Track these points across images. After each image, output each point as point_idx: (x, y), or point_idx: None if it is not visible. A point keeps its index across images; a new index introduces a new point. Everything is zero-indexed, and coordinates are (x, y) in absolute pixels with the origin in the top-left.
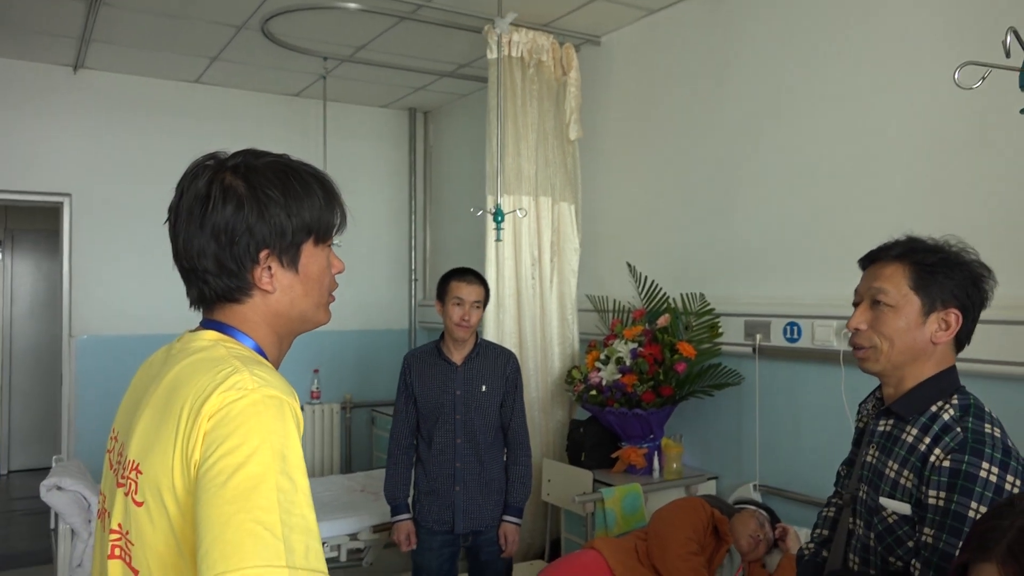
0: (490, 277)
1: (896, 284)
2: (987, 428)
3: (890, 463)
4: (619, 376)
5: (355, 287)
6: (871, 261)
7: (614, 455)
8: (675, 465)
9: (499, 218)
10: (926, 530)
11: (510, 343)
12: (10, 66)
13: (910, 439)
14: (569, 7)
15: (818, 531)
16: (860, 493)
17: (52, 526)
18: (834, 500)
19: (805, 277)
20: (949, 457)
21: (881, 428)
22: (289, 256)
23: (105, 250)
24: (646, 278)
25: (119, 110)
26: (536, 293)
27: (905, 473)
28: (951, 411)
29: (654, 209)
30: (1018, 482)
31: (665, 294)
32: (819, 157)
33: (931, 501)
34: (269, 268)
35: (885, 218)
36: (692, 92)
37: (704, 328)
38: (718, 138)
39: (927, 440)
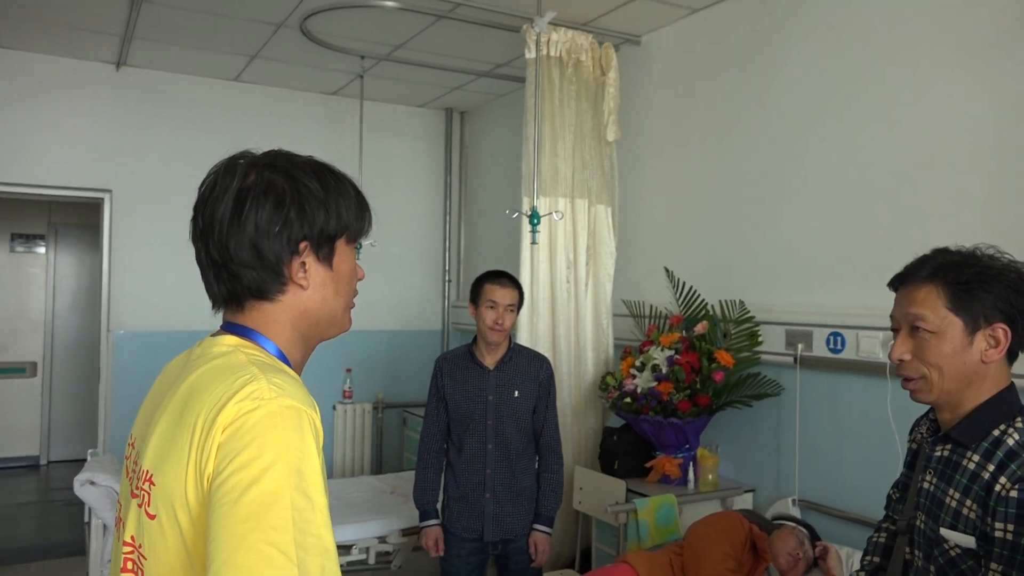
0: (524, 280)
1: (933, 308)
2: None
3: (951, 491)
4: (655, 384)
5: (389, 287)
6: (901, 283)
7: (648, 464)
8: (711, 476)
9: (535, 220)
10: (993, 565)
11: (543, 347)
12: (54, 63)
13: (972, 466)
14: (609, 6)
15: (868, 558)
16: (918, 522)
17: (86, 519)
18: (885, 525)
19: (850, 286)
20: (1017, 487)
21: (938, 453)
22: (325, 251)
23: (143, 246)
24: (684, 283)
25: (159, 107)
26: (571, 297)
27: (968, 503)
28: (1016, 435)
29: (693, 213)
30: None
31: (703, 300)
32: (867, 162)
33: (998, 534)
34: (304, 264)
35: (937, 227)
36: (734, 94)
37: (743, 336)
38: (761, 141)
39: (991, 467)
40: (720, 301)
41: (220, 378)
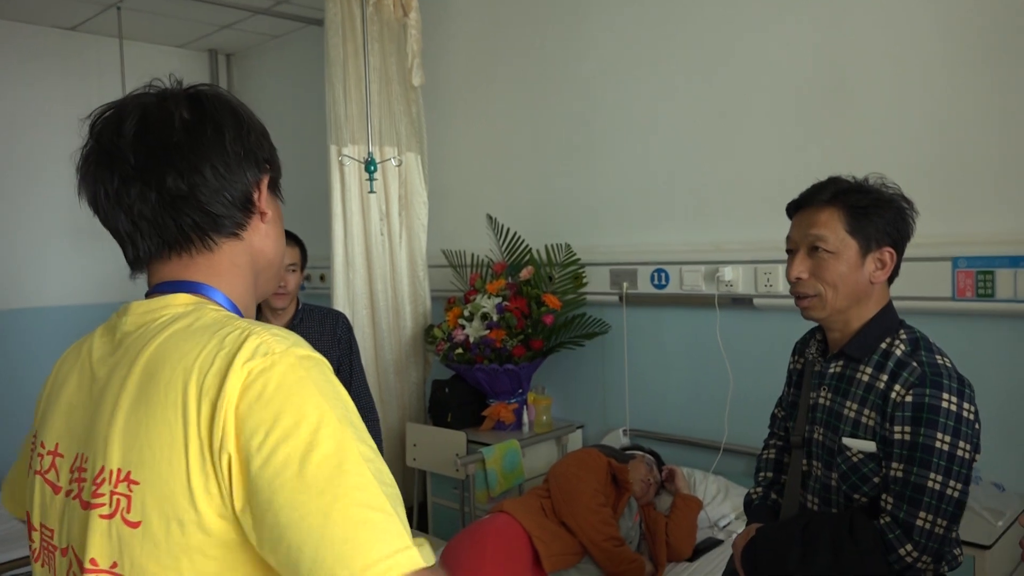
0: (337, 236)
1: (833, 229)
2: (939, 359)
3: (848, 403)
4: (487, 332)
5: None
6: (798, 207)
7: (484, 413)
8: (544, 418)
9: (371, 168)
10: (894, 464)
11: (361, 304)
12: None
13: (866, 378)
14: None
15: (762, 474)
16: (816, 435)
17: None
18: (772, 442)
19: (670, 224)
20: (911, 392)
21: (832, 370)
22: (275, 178)
23: None
24: (507, 230)
25: None
26: (385, 250)
27: (866, 412)
28: (902, 346)
29: (510, 158)
30: (973, 408)
31: (527, 246)
32: (680, 102)
33: (897, 436)
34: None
35: (748, 166)
36: (544, 35)
37: (568, 279)
38: (574, 83)
39: (884, 377)
40: (546, 246)
41: (194, 340)
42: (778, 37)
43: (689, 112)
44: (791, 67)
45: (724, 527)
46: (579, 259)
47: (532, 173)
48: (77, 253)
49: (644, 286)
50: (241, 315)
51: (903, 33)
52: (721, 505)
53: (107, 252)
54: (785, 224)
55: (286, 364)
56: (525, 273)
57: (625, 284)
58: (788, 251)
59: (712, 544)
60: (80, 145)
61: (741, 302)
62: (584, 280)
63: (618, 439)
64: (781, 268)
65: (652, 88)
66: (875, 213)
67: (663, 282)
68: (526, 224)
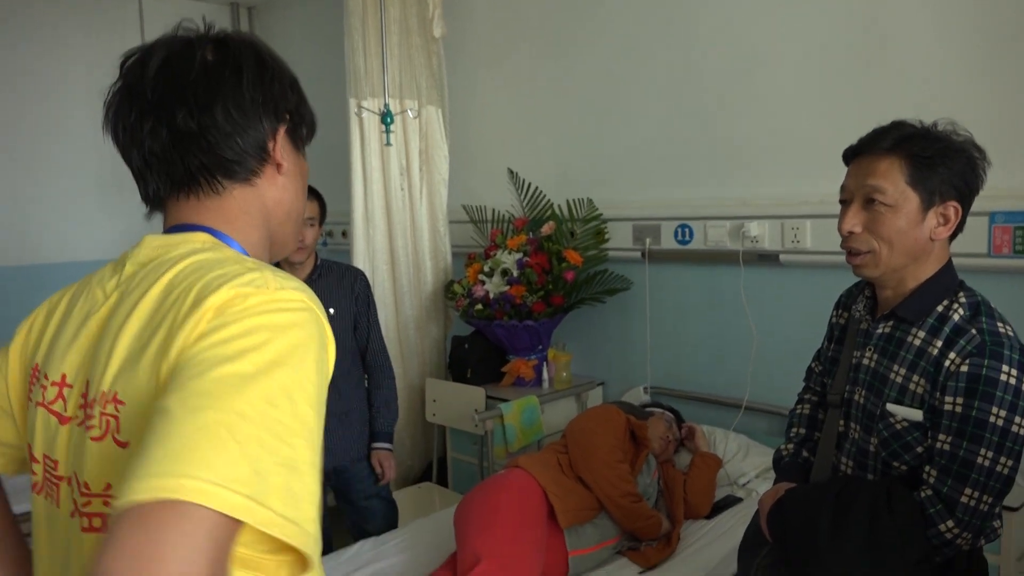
0: (357, 191)
1: (893, 181)
2: (1001, 328)
3: (895, 367)
4: (507, 288)
5: None
6: (856, 154)
7: (504, 369)
8: (564, 374)
9: (388, 120)
10: (941, 436)
11: (381, 260)
12: None
13: (918, 342)
14: None
15: (795, 430)
16: (856, 397)
17: None
18: (807, 396)
19: (695, 179)
20: (967, 361)
21: (881, 330)
22: (300, 133)
23: None
24: (529, 185)
25: None
26: (405, 205)
27: (915, 378)
28: (961, 311)
29: (532, 113)
30: None
31: (549, 201)
32: (706, 57)
33: (947, 408)
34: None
35: (775, 120)
36: None
37: (590, 234)
38: (599, 36)
39: (938, 343)
40: (567, 201)
41: (210, 269)
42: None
43: (715, 66)
44: (820, 19)
45: (744, 485)
46: (601, 214)
47: (554, 127)
48: (101, 209)
49: (667, 242)
50: None
51: None
52: (742, 463)
53: (131, 207)
54: (814, 178)
55: (280, 300)
56: (546, 228)
57: (648, 240)
58: (842, 201)
59: (731, 502)
60: (111, 85)
61: (767, 258)
62: (606, 236)
63: (639, 396)
64: (810, 223)
65: (677, 42)
66: (941, 163)
67: (687, 238)
68: (548, 179)
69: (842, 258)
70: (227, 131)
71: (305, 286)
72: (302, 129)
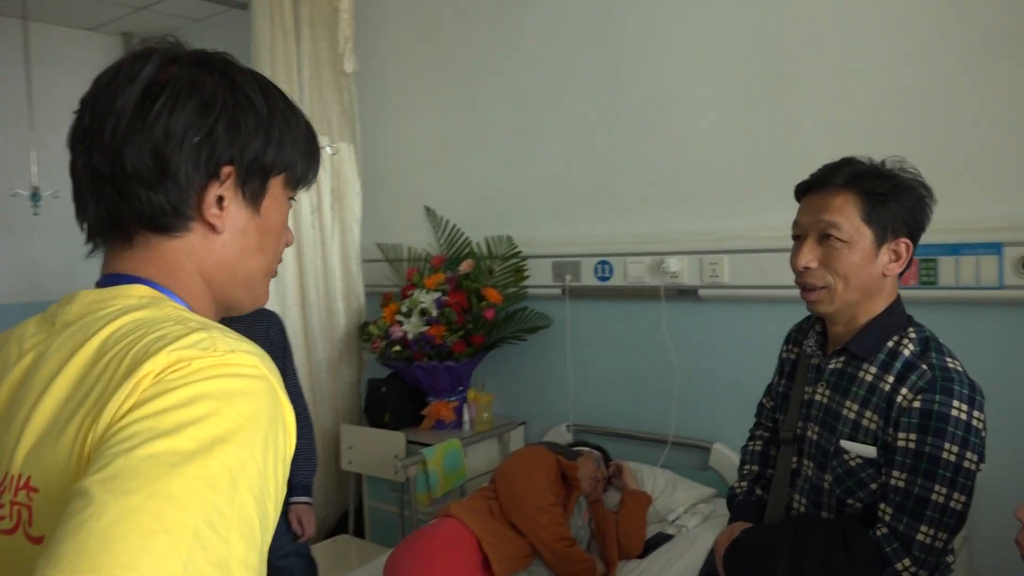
0: None
1: (848, 217)
2: (950, 363)
3: (848, 403)
4: (426, 328)
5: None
6: (807, 190)
7: (424, 412)
8: (486, 415)
9: None
10: (895, 473)
11: (292, 301)
12: None
13: (869, 378)
14: None
15: (747, 467)
16: (809, 433)
17: None
18: (759, 433)
19: (614, 215)
20: (919, 397)
21: (833, 366)
22: (254, 186)
23: None
24: (446, 222)
25: None
26: (317, 244)
27: (868, 414)
28: (911, 346)
29: (448, 149)
30: (983, 416)
31: (467, 238)
32: (623, 93)
33: (900, 444)
34: (221, 199)
35: (692, 156)
36: (482, 22)
37: (509, 272)
38: (515, 70)
39: (890, 379)
40: (486, 238)
41: (149, 330)
42: (718, 24)
43: (632, 102)
44: (732, 54)
45: (673, 521)
46: (520, 251)
47: (471, 163)
48: (11, 250)
49: (588, 278)
50: None
51: (843, 14)
52: (670, 499)
53: (43, 248)
54: (730, 214)
55: (229, 365)
56: (465, 266)
57: (568, 277)
58: (795, 237)
59: (663, 539)
60: None
61: (687, 294)
62: (526, 273)
63: (562, 435)
64: (727, 258)
65: (593, 77)
66: (893, 200)
67: (607, 274)
68: (466, 216)
69: (761, 292)
70: (141, 177)
71: (260, 350)
72: (259, 180)
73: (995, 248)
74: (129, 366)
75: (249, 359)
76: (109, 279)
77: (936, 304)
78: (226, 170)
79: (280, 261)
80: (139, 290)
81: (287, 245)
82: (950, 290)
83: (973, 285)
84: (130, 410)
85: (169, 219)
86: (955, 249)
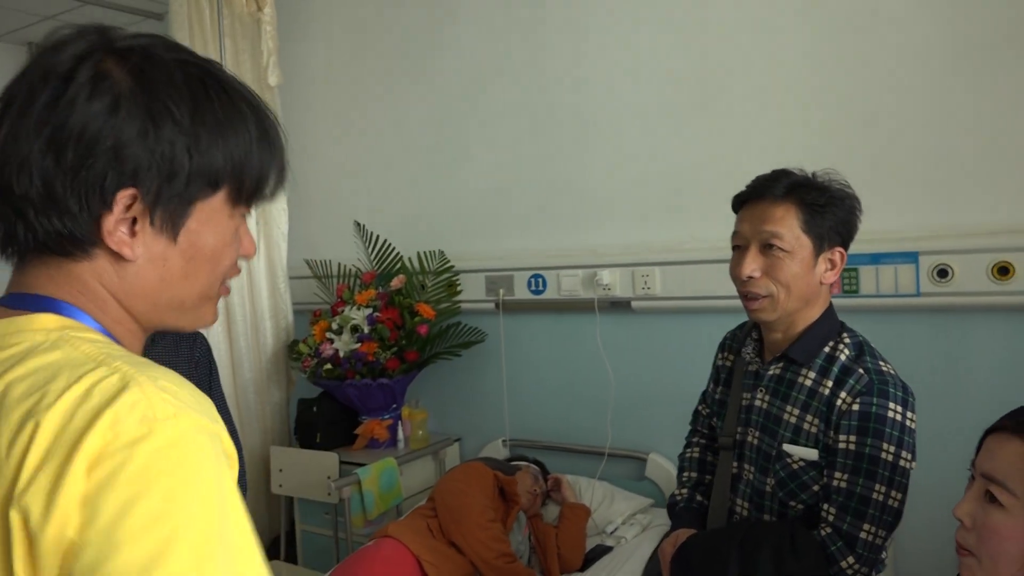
0: None
1: (789, 227)
2: (884, 367)
3: (788, 408)
4: (358, 345)
5: None
6: (745, 200)
7: (357, 431)
8: (420, 432)
9: None
10: (837, 474)
11: (217, 323)
12: None
13: (808, 383)
14: None
15: (687, 474)
16: (749, 438)
17: None
18: (696, 440)
19: (546, 229)
20: (858, 400)
21: (772, 372)
22: (168, 212)
23: None
24: (376, 237)
25: None
26: (242, 261)
27: (808, 418)
28: (846, 351)
29: (377, 162)
30: (914, 417)
31: (398, 254)
32: (553, 105)
33: (841, 446)
34: (133, 222)
35: (621, 169)
36: (408, 34)
37: (442, 287)
38: (445, 82)
39: (829, 383)
40: (418, 253)
41: (56, 382)
42: (645, 36)
43: (560, 114)
44: (659, 67)
45: (612, 533)
46: (453, 266)
47: (401, 177)
48: None
49: (521, 292)
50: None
51: (766, 28)
52: (608, 511)
53: None
54: (660, 226)
55: (164, 439)
56: (396, 282)
57: (501, 291)
58: (735, 247)
59: (602, 552)
60: None
61: (620, 306)
62: (458, 288)
63: (498, 450)
64: (659, 270)
65: (519, 90)
66: (830, 211)
67: (540, 288)
68: (396, 231)
69: (693, 303)
70: (28, 195)
71: (189, 389)
72: (186, 203)
73: (912, 257)
74: (57, 447)
75: (186, 417)
76: (12, 299)
77: (858, 312)
78: (126, 194)
79: (235, 273)
80: (45, 321)
81: (246, 257)
82: (871, 298)
83: (892, 293)
84: (81, 536)
85: (67, 244)
86: (875, 258)
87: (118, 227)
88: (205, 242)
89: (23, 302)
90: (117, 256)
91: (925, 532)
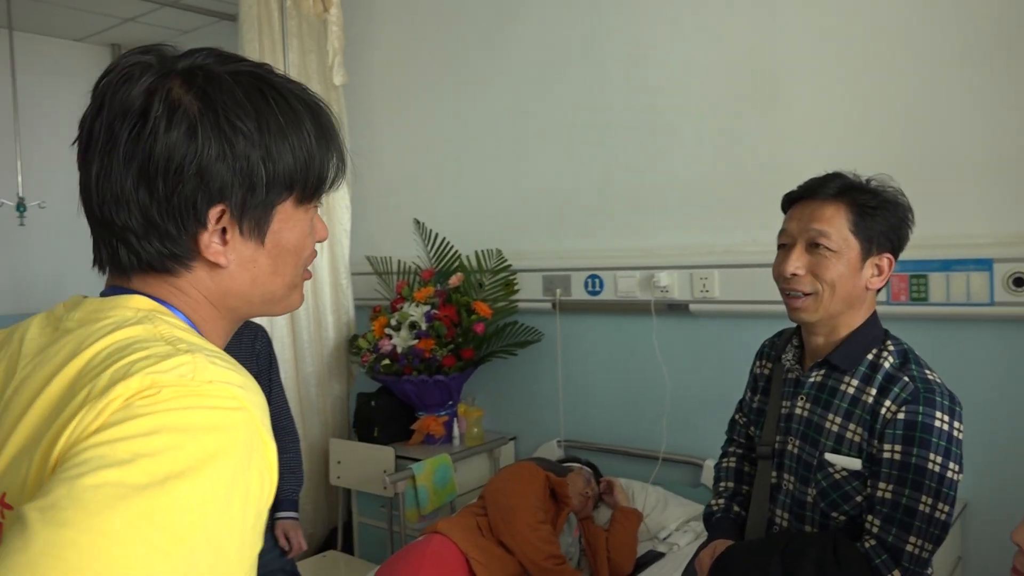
0: None
1: (838, 226)
2: (930, 375)
3: (831, 416)
4: (415, 342)
5: (52, 254)
6: (796, 200)
7: (413, 426)
8: (476, 430)
9: None
10: (882, 484)
11: (281, 317)
12: None
13: (851, 391)
14: None
15: (723, 484)
16: (789, 447)
17: None
18: (732, 449)
19: (605, 229)
20: (903, 409)
21: (813, 379)
22: (254, 220)
23: None
24: (435, 235)
25: None
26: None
27: (851, 427)
28: (891, 359)
29: (438, 161)
30: (961, 427)
31: (456, 252)
32: (615, 106)
33: (886, 455)
34: (223, 231)
35: (682, 170)
36: (471, 34)
37: (499, 286)
38: (506, 83)
39: (872, 391)
40: (476, 251)
41: (134, 349)
42: (707, 37)
43: (622, 116)
44: (721, 68)
45: (665, 539)
46: (510, 265)
47: (461, 176)
48: None
49: (578, 292)
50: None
51: (832, 29)
52: (661, 516)
53: (30, 258)
54: (720, 229)
55: (203, 396)
56: (454, 280)
57: (558, 291)
58: (781, 245)
59: (654, 558)
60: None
61: (677, 308)
62: (516, 287)
63: (552, 451)
64: (717, 273)
65: (583, 89)
66: (881, 216)
67: (597, 288)
68: (455, 229)
69: (751, 307)
70: (129, 226)
71: (248, 380)
72: (268, 209)
73: (986, 264)
74: (105, 385)
75: (228, 390)
76: (111, 290)
77: (926, 320)
78: (216, 211)
79: (313, 258)
80: (137, 301)
81: (320, 240)
82: (940, 306)
83: (964, 302)
84: (93, 433)
85: (167, 263)
86: (946, 265)
87: (211, 240)
88: (287, 239)
89: (121, 291)
90: (212, 264)
91: (994, 555)
